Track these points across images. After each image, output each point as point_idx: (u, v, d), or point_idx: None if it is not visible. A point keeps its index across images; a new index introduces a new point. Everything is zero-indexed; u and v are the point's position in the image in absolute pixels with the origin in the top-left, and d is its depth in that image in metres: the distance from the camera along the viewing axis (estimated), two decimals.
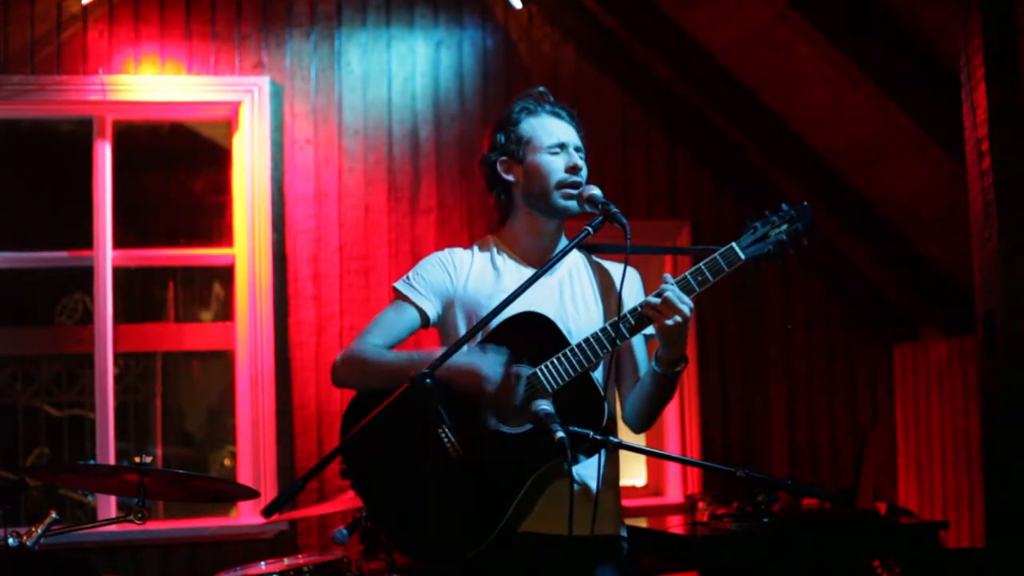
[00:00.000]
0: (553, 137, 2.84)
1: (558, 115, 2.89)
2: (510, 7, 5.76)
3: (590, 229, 2.71)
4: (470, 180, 5.67)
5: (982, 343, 3.85)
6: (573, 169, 2.82)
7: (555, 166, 2.82)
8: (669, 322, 2.63)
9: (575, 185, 2.81)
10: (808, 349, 6.13)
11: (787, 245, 2.75)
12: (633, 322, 2.70)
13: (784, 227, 2.76)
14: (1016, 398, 3.76)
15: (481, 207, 5.64)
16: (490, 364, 2.64)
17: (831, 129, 5.51)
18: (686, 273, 2.71)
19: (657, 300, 2.64)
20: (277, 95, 5.54)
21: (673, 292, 2.64)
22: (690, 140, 6.01)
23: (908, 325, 6.13)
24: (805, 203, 2.79)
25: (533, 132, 2.86)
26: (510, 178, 2.88)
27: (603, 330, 2.69)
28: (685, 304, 2.64)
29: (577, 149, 2.87)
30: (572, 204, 2.81)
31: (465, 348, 2.68)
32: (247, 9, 5.56)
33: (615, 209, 2.70)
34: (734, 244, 2.73)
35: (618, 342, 2.70)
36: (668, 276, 2.70)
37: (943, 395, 5.81)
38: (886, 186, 5.57)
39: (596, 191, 2.78)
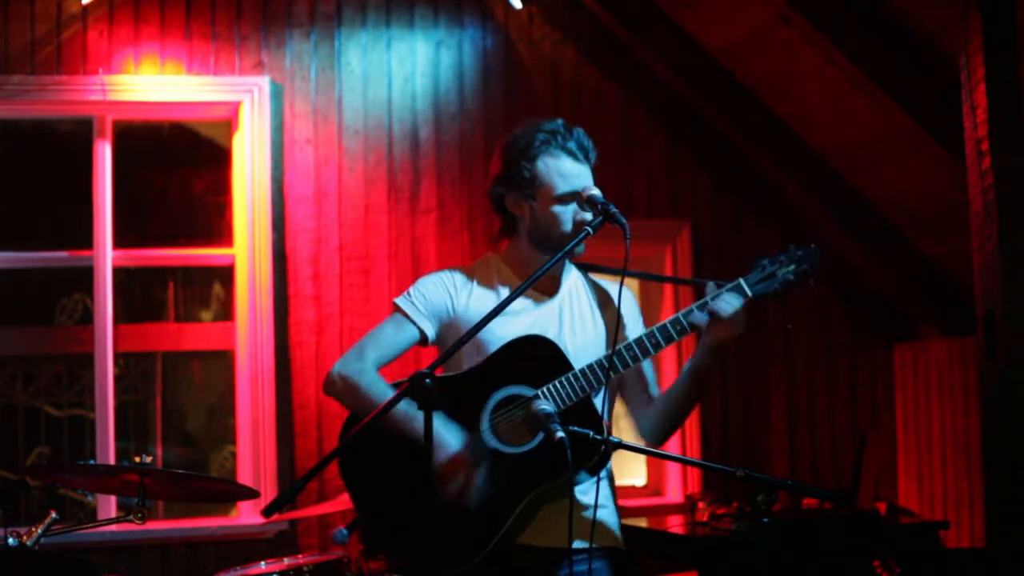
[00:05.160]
0: (568, 184, 2.79)
1: (575, 156, 2.82)
2: (510, 7, 5.76)
3: (590, 229, 2.71)
4: (470, 180, 5.67)
5: (982, 343, 3.85)
6: (580, 225, 2.79)
7: (565, 217, 2.79)
8: (734, 335, 2.73)
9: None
10: (808, 349, 6.12)
11: (793, 285, 2.78)
12: (638, 352, 2.72)
13: (792, 267, 2.78)
14: (1016, 398, 3.76)
15: (481, 207, 5.64)
16: (448, 445, 2.67)
17: (831, 129, 5.51)
18: (692, 305, 2.75)
19: (726, 314, 2.69)
20: (277, 95, 5.54)
21: (730, 305, 2.70)
22: (690, 140, 6.01)
23: (908, 325, 6.13)
24: (813, 245, 2.80)
25: (548, 175, 2.80)
26: (517, 214, 2.87)
27: (608, 357, 2.69)
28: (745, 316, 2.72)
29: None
30: (577, 249, 2.79)
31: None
32: (247, 9, 5.56)
33: (615, 209, 2.70)
34: (742, 281, 2.76)
35: (621, 369, 2.71)
36: (712, 285, 2.74)
37: (943, 395, 5.81)
38: (886, 186, 5.57)
39: (596, 191, 2.78)
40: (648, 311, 3.01)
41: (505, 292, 2.86)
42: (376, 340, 2.85)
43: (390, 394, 2.72)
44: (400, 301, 2.88)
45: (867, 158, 5.47)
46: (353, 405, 2.82)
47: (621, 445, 2.63)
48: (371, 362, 2.81)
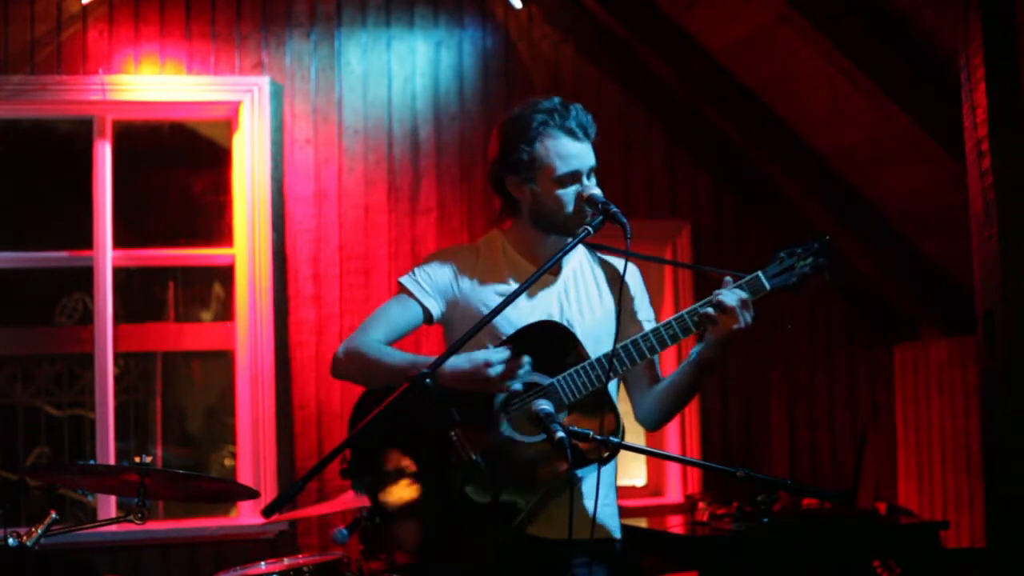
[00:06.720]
0: (568, 165, 2.75)
1: (574, 135, 2.78)
2: (510, 7, 5.76)
3: (590, 229, 2.70)
4: (470, 180, 5.67)
5: (982, 343, 3.85)
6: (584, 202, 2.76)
7: (567, 198, 2.76)
8: (735, 327, 2.68)
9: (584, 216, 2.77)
10: (808, 349, 6.12)
11: (810, 278, 2.76)
12: (655, 343, 2.71)
13: (809, 260, 2.76)
14: (1016, 398, 3.75)
15: (481, 207, 5.64)
16: (492, 353, 2.62)
17: (831, 129, 5.51)
18: (709, 298, 2.73)
19: (731, 303, 2.66)
20: (277, 95, 5.54)
21: (738, 297, 2.67)
22: (690, 140, 6.01)
23: (908, 325, 6.13)
24: (827, 236, 2.80)
25: (548, 157, 2.75)
26: (518, 197, 2.84)
27: (624, 347, 2.69)
28: (750, 311, 2.69)
29: (591, 171, 2.80)
30: (581, 231, 2.74)
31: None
32: (247, 9, 5.56)
33: (615, 209, 2.69)
34: (760, 273, 2.74)
35: (638, 360, 2.70)
36: (729, 279, 2.71)
37: (943, 395, 5.81)
38: (886, 186, 5.57)
39: (596, 191, 2.76)
40: None
41: (511, 274, 2.84)
42: (380, 319, 2.82)
43: (400, 358, 2.70)
44: (405, 280, 2.85)
45: (867, 158, 5.47)
46: (362, 377, 2.78)
47: (621, 446, 2.62)
48: (375, 339, 2.78)
